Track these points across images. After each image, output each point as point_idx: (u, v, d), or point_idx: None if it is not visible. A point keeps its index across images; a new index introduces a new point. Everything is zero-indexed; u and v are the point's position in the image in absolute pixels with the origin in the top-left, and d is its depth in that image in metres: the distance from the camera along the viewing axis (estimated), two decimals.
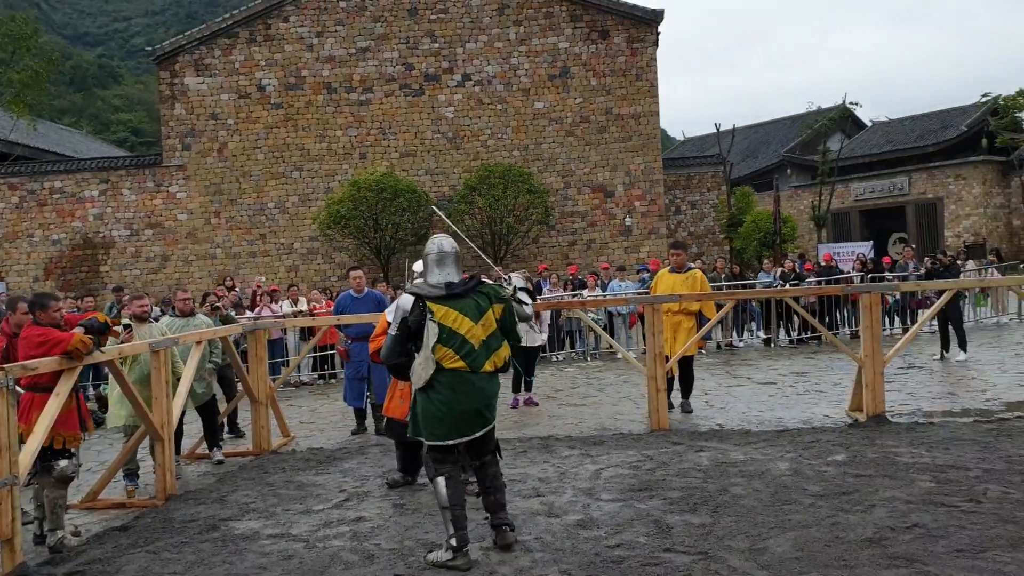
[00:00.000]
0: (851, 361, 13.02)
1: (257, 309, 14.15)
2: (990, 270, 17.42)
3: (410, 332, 5.27)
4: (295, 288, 15.85)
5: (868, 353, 8.18)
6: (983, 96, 40.65)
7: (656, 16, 26.17)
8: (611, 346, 14.65)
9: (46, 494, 6.07)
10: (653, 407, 8.59)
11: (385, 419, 7.32)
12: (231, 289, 15.36)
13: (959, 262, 15.71)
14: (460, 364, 5.15)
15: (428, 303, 5.24)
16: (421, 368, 5.21)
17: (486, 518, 5.49)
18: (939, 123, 42.71)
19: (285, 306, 14.59)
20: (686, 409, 9.50)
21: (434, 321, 5.18)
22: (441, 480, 5.19)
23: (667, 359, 8.82)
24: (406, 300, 5.37)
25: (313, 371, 14.46)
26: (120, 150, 44.59)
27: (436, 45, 25.72)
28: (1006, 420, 8.11)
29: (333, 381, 14.72)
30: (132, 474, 7.73)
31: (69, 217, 25.34)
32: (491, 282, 5.63)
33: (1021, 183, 37.29)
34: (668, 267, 9.73)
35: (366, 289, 9.92)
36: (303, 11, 25.49)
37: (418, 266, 6.76)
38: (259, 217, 25.35)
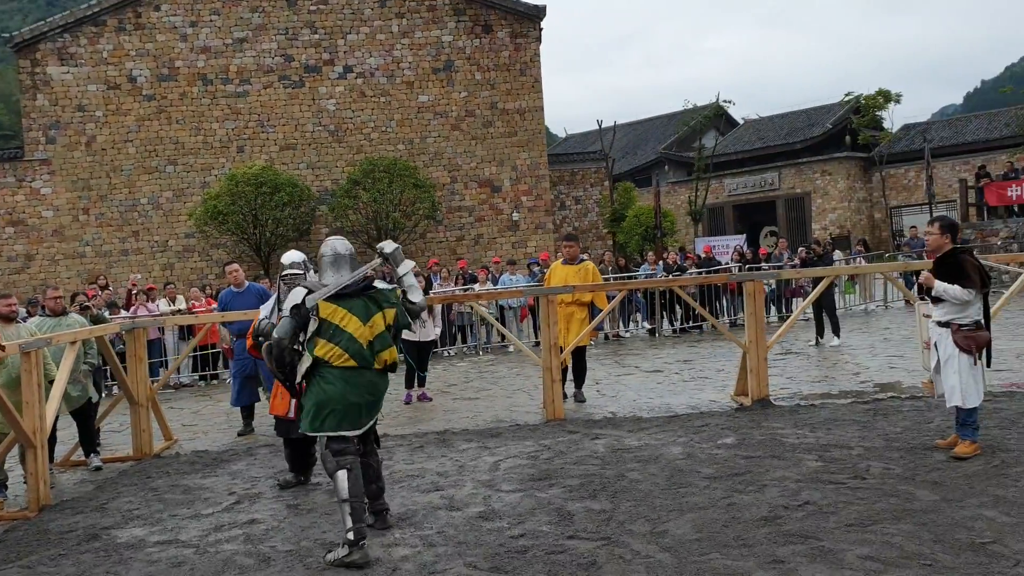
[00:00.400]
0: (734, 348, 13.57)
1: (133, 308, 13.49)
2: (858, 259, 18.33)
3: (302, 319, 5.32)
4: (172, 286, 15.22)
5: (752, 339, 8.45)
6: (846, 95, 42.87)
7: (539, 12, 26.38)
8: (504, 339, 14.73)
9: None
10: (548, 398, 8.63)
11: (276, 418, 7.09)
12: (104, 288, 14.61)
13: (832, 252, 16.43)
14: (351, 363, 5.19)
15: (319, 301, 5.27)
16: (302, 362, 5.35)
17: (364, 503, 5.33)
18: (806, 121, 44.75)
19: (162, 305, 13.96)
20: (579, 399, 9.60)
21: (316, 317, 5.25)
22: (343, 473, 5.13)
23: (561, 350, 8.87)
24: (298, 292, 5.41)
25: (193, 372, 13.90)
26: None
27: (316, 36, 25.18)
28: (881, 400, 8.52)
29: (215, 382, 14.20)
30: (1, 485, 7.24)
31: None
32: (385, 286, 5.59)
33: (881, 178, 39.40)
34: (561, 259, 9.80)
35: (246, 283, 9.58)
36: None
37: (287, 257, 6.82)
38: (131, 213, 24.24)
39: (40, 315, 8.24)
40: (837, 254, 19.54)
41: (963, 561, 4.24)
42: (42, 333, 7.66)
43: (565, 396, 9.33)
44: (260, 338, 6.38)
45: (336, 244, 5.62)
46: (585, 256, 9.90)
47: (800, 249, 15.40)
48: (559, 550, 4.86)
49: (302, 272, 6.63)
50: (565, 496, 5.91)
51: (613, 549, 4.80)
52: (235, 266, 9.57)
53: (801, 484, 5.72)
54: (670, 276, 14.72)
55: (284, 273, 6.68)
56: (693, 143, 44.71)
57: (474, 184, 26.30)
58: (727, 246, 25.61)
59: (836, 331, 13.13)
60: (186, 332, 13.65)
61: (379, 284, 5.53)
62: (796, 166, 41.87)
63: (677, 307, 16.31)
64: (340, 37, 25.26)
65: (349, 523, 5.03)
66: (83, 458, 8.35)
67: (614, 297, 10.30)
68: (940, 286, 6.15)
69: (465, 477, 6.70)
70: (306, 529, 5.72)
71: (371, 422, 5.44)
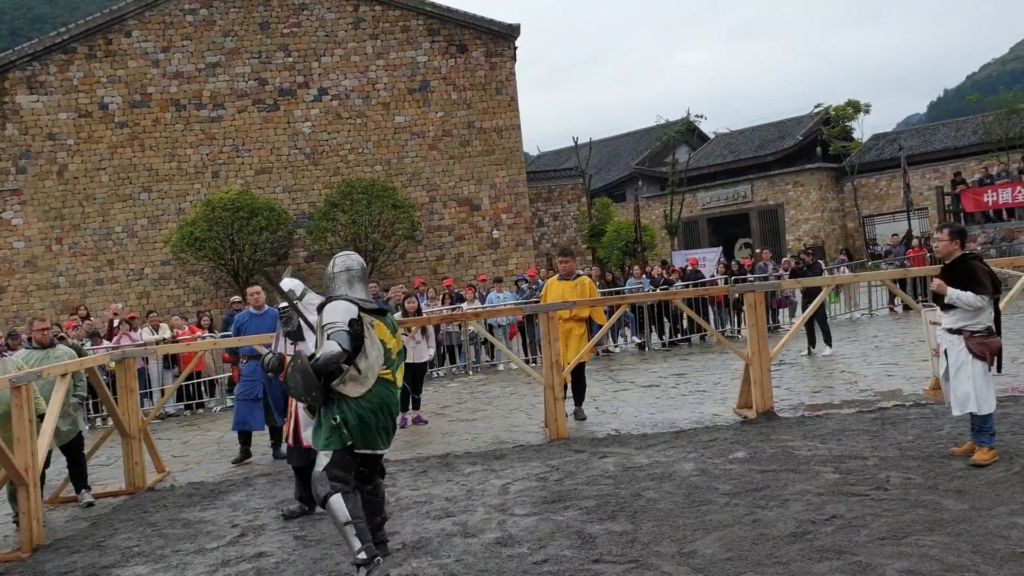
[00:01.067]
0: (726, 360, 13.53)
1: (116, 338, 13.18)
2: (842, 268, 18.41)
3: (358, 336, 5.09)
4: (155, 314, 14.90)
5: (755, 350, 8.37)
6: (816, 107, 43.31)
7: (513, 31, 26.38)
8: (492, 358, 14.57)
9: None
10: (551, 416, 8.48)
11: (287, 447, 6.87)
12: (85, 319, 14.27)
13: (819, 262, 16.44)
14: (388, 375, 5.21)
15: (366, 314, 5.18)
16: (363, 377, 5.06)
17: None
18: (777, 133, 45.15)
19: (146, 333, 13.66)
20: (579, 416, 9.46)
21: (373, 330, 5.17)
22: (337, 497, 4.93)
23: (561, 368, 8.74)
24: (350, 307, 5.13)
25: (179, 401, 13.59)
26: None
27: (290, 59, 24.99)
28: (886, 409, 8.46)
29: (200, 411, 13.90)
30: None
31: None
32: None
33: (853, 187, 39.78)
34: (556, 275, 9.68)
35: (266, 306, 9.34)
36: (147, 25, 24.22)
37: (288, 284, 6.67)
38: (106, 242, 23.82)
39: (27, 347, 7.96)
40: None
41: (1008, 572, 4.14)
42: (29, 366, 7.41)
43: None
44: (270, 373, 6.24)
45: (351, 261, 5.49)
46: (581, 271, 9.77)
47: (785, 260, 15.40)
48: (587, 574, 4.71)
49: (287, 304, 6.13)
50: (583, 518, 5.77)
51: (643, 572, 4.66)
52: (257, 288, 9.36)
53: (824, 498, 5.62)
54: (658, 289, 14.65)
55: (281, 306, 6.38)
56: (666, 158, 44.96)
57: (453, 203, 26.17)
58: (703, 259, 25.75)
59: (828, 340, 13.12)
60: (171, 361, 13.36)
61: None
62: (768, 178, 42.21)
63: (666, 320, 16.24)
64: (314, 59, 25.10)
65: (356, 544, 4.84)
66: (73, 494, 8.07)
67: (611, 312, 10.20)
68: (953, 293, 6.10)
69: (475, 502, 6.53)
70: (318, 561, 5.52)
71: (390, 444, 5.30)
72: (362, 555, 4.82)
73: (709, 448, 7.42)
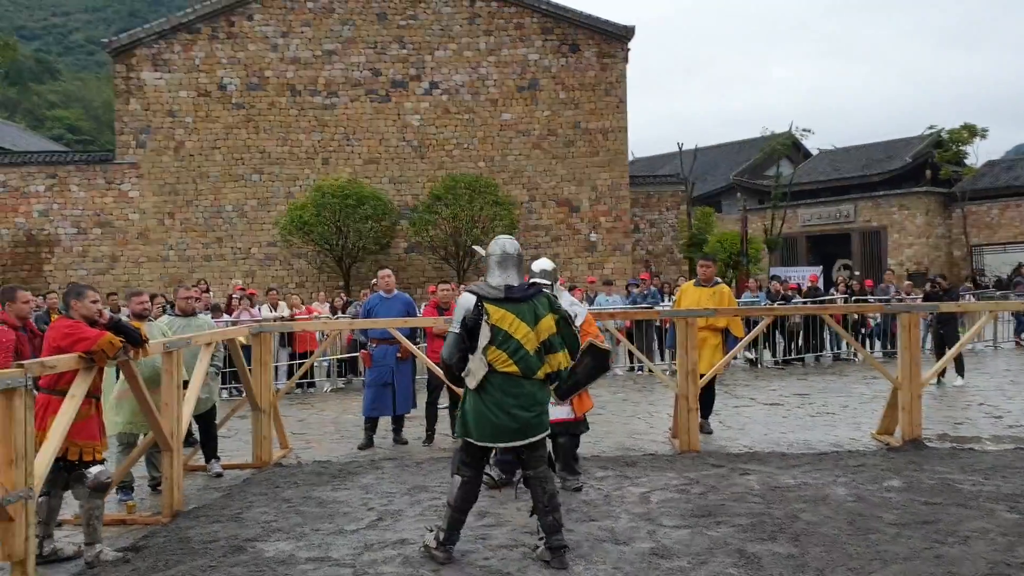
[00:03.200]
0: (848, 383, 13.02)
1: (235, 313, 13.39)
2: (967, 296, 17.61)
3: (469, 332, 5.18)
4: (275, 292, 15.08)
5: (906, 375, 7.95)
6: (928, 128, 41.84)
7: (627, 32, 26.10)
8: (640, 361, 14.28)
9: (81, 505, 5.43)
10: (683, 427, 8.20)
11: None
12: (205, 291, 14.55)
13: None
14: (513, 368, 5.09)
15: (486, 304, 5.15)
16: (475, 369, 5.15)
17: (541, 538, 5.19)
18: (884, 153, 43.75)
19: (264, 310, 13.84)
20: (705, 429, 9.14)
21: (488, 323, 5.11)
22: (458, 479, 5.20)
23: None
24: (467, 299, 5.26)
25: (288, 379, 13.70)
26: (58, 146, 42.78)
27: (404, 51, 25.19)
28: None
29: (311, 390, 14.02)
30: (127, 487, 7.06)
31: (12, 212, 24.01)
32: (552, 293, 5.57)
33: (963, 214, 38.27)
34: (693, 280, 9.38)
35: (395, 290, 9.31)
36: (268, 9, 24.71)
37: (536, 265, 6.92)
38: (215, 220, 24.39)
39: (170, 314, 8.06)
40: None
41: None
42: (173, 333, 7.49)
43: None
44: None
45: (506, 243, 5.43)
46: (720, 279, 9.45)
47: (907, 283, 14.76)
48: None
49: (549, 283, 6.58)
50: (740, 536, 5.49)
51: None
52: (388, 271, 9.35)
53: (1010, 539, 5.23)
54: (775, 304, 14.18)
55: (533, 280, 6.49)
56: (765, 171, 44.03)
57: (552, 203, 26.02)
58: (802, 277, 24.98)
59: (960, 371, 12.49)
60: (286, 339, 13.49)
61: (548, 292, 5.46)
62: (873, 199, 40.87)
63: (779, 337, 15.75)
64: (428, 53, 25.23)
65: (445, 526, 5.18)
66: (202, 463, 8.14)
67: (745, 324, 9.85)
68: None
69: (616, 508, 6.31)
70: (466, 554, 5.36)
71: (527, 439, 5.14)
72: (441, 536, 5.16)
73: (859, 473, 7.05)
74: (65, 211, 24.14)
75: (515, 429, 5.10)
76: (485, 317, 5.10)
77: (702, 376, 8.32)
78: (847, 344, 15.95)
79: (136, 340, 5.73)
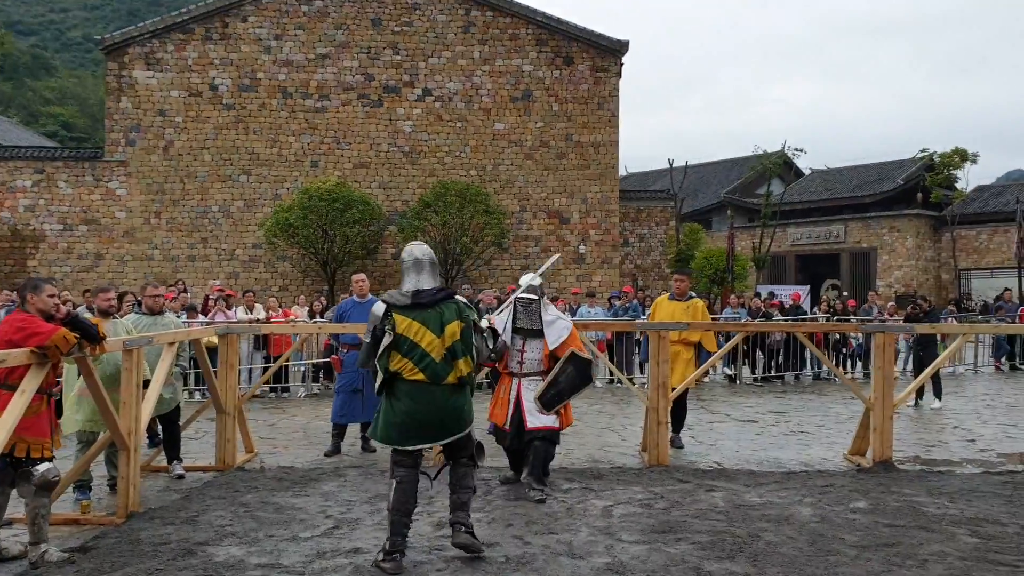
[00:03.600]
0: (825, 402, 12.97)
1: (211, 314, 13.28)
2: (949, 319, 17.60)
3: (378, 340, 5.30)
4: (251, 294, 14.98)
5: (879, 395, 7.89)
6: (920, 151, 41.97)
7: (621, 46, 26.13)
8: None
9: (27, 504, 5.32)
10: (652, 441, 8.13)
11: (502, 431, 7.19)
12: (182, 292, 14.42)
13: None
14: (420, 376, 5.18)
15: (394, 313, 5.25)
16: (376, 377, 5.36)
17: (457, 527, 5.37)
18: (876, 175, 43.85)
19: (240, 312, 13.73)
20: (676, 444, 9.08)
21: (390, 331, 5.21)
22: (393, 482, 5.27)
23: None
24: (378, 307, 5.38)
25: (264, 383, 13.58)
26: (51, 143, 42.63)
27: (398, 57, 25.17)
28: (1016, 473, 7.90)
29: (285, 395, 13.91)
30: (84, 486, 6.93)
31: None
32: (463, 299, 5.55)
33: (952, 238, 38.35)
34: (667, 294, 9.32)
35: (369, 295, 9.25)
36: (263, 12, 24.68)
37: (524, 280, 7.29)
38: (202, 220, 24.29)
39: (136, 312, 7.96)
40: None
41: None
42: (139, 331, 7.39)
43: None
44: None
45: (414, 249, 5.53)
46: (694, 293, 9.40)
47: (890, 304, 14.73)
48: None
49: (536, 297, 7.01)
50: (698, 554, 5.41)
51: None
52: (362, 276, 9.32)
53: (967, 563, 5.16)
54: (756, 320, 14.13)
55: (520, 295, 7.07)
56: (757, 189, 44.06)
57: (543, 214, 25.99)
58: (787, 295, 24.96)
59: (938, 393, 12.45)
60: (261, 342, 13.38)
61: (460, 298, 5.50)
62: (864, 220, 40.93)
63: (759, 354, 15.71)
64: (422, 60, 25.22)
65: (388, 533, 5.21)
66: (164, 464, 8.03)
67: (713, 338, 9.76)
68: None
69: (577, 521, 6.23)
70: (418, 565, 5.27)
71: (446, 440, 5.32)
72: (387, 544, 5.17)
73: (826, 494, 6.98)
74: (52, 207, 24.02)
75: (430, 433, 5.26)
76: (390, 326, 5.19)
77: (673, 390, 8.25)
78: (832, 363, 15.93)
79: (93, 337, 5.63)
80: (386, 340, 5.20)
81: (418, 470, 5.35)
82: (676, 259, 30.35)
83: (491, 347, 5.78)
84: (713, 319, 15.91)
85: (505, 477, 7.45)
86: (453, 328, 5.24)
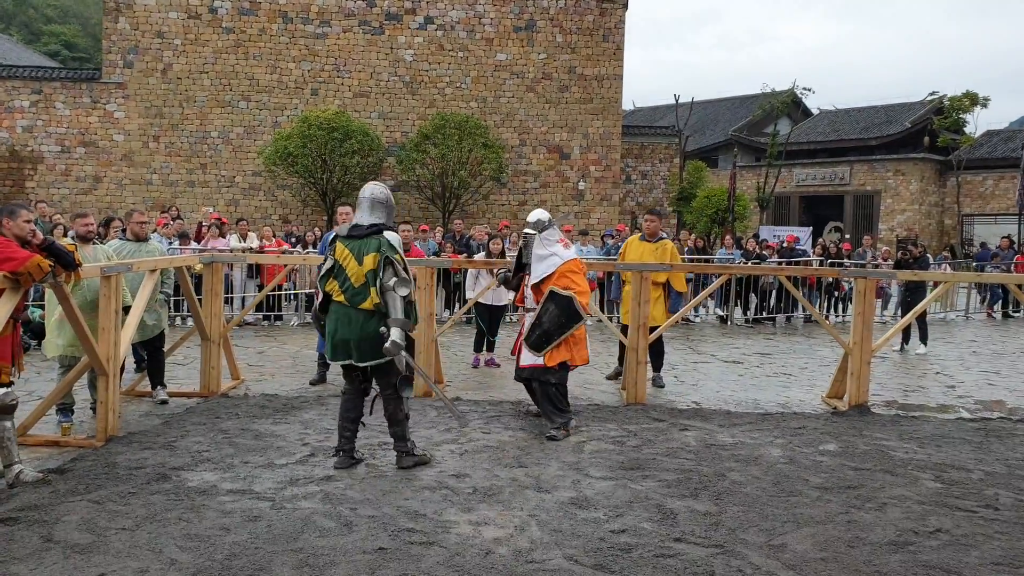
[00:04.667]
0: (812, 344, 13.04)
1: (204, 241, 13.28)
2: (944, 266, 17.56)
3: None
4: (245, 222, 14.96)
5: (857, 340, 7.92)
6: (930, 94, 41.33)
7: None
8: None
9: None
10: (631, 380, 8.20)
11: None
12: (175, 219, 14.40)
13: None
14: (342, 298, 5.80)
15: (337, 241, 5.93)
16: (317, 296, 6.12)
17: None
18: (884, 117, 43.30)
19: (233, 241, 13.73)
20: (658, 383, 9.15)
21: (331, 257, 5.91)
22: (342, 394, 6.05)
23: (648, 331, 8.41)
24: (328, 236, 6.28)
25: (257, 311, 13.67)
26: (52, 62, 42.12)
27: None
28: (990, 420, 7.97)
29: (278, 323, 14.00)
30: (67, 409, 7.03)
31: None
32: (392, 237, 5.85)
33: (957, 183, 38.04)
34: (639, 234, 9.33)
35: None
36: None
37: (532, 216, 7.34)
38: (201, 146, 24.14)
39: (120, 238, 7.97)
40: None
41: None
42: (122, 258, 7.41)
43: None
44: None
45: (365, 188, 6.06)
46: (664, 234, 9.40)
47: (884, 249, 14.70)
48: (667, 553, 4.46)
49: (534, 233, 7.14)
50: (663, 491, 5.50)
51: (729, 560, 4.38)
52: (347, 208, 9.21)
53: (926, 507, 5.25)
54: (750, 263, 14.11)
55: (524, 231, 7.28)
56: (764, 128, 43.55)
57: (543, 149, 25.79)
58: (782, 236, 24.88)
59: (923, 339, 12.50)
60: (255, 271, 13.42)
61: (389, 235, 5.82)
62: (869, 162, 40.57)
63: (752, 296, 15.72)
64: None
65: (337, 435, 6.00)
66: (148, 389, 8.13)
67: (691, 279, 9.78)
68: None
69: (548, 455, 6.32)
70: (387, 493, 5.37)
71: (363, 363, 5.80)
72: (336, 444, 6.00)
73: (798, 436, 7.06)
74: (49, 128, 23.86)
75: (347, 351, 5.80)
76: (331, 252, 5.90)
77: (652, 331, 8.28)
78: (824, 305, 15.96)
79: (68, 263, 5.65)
80: (326, 264, 5.91)
81: (358, 385, 5.95)
82: (678, 197, 30.19)
83: (397, 288, 5.74)
84: (706, 260, 15.91)
85: (527, 409, 7.69)
86: (369, 260, 5.73)
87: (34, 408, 6.67)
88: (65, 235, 11.58)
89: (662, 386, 9.14)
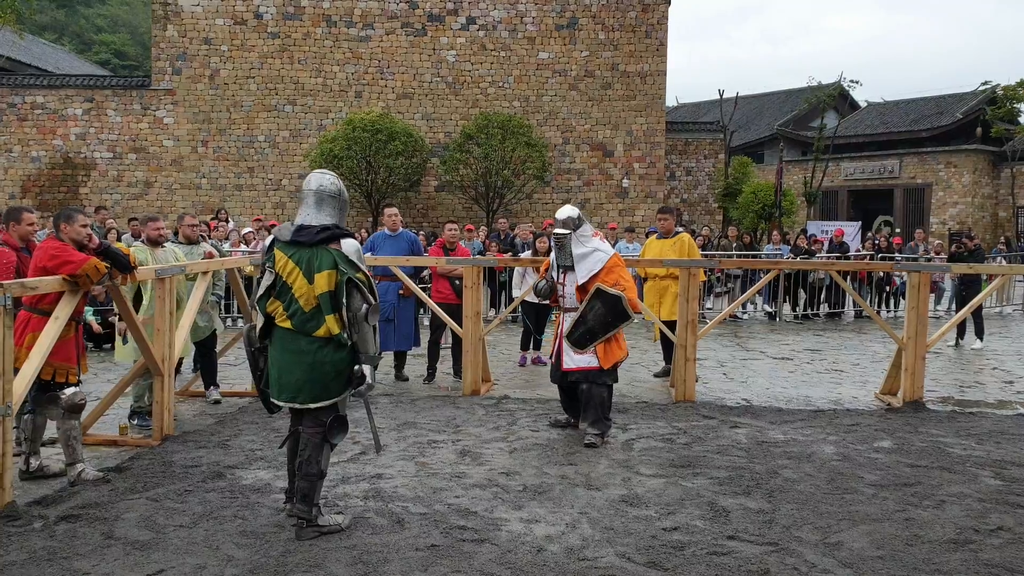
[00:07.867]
0: (864, 340, 12.83)
1: (252, 244, 13.48)
2: (999, 259, 17.18)
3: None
4: None
5: (911, 335, 7.78)
6: (983, 84, 40.40)
7: None
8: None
9: (58, 426, 5.54)
10: (680, 376, 8.15)
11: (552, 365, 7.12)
12: (225, 222, 14.61)
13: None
14: (287, 324, 4.53)
15: (275, 248, 4.61)
16: (258, 322, 4.73)
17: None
18: (934, 108, 42.41)
19: None
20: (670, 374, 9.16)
21: (271, 269, 4.59)
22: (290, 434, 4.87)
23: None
24: (267, 240, 4.82)
25: None
26: (103, 71, 43.05)
27: None
28: None
29: None
30: (146, 413, 7.09)
31: (50, 135, 24.33)
32: (350, 245, 4.61)
33: (1011, 174, 37.15)
34: (656, 234, 9.52)
35: (401, 228, 9.32)
36: None
37: (561, 213, 6.96)
38: (248, 150, 24.49)
39: (173, 242, 8.12)
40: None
41: None
42: (176, 260, 7.55)
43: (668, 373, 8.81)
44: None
45: (311, 178, 4.74)
46: (680, 228, 9.53)
47: (937, 243, 14.40)
48: (721, 551, 4.42)
49: (566, 232, 6.78)
50: (714, 489, 5.46)
51: (784, 558, 4.33)
52: (393, 210, 9.33)
53: (986, 505, 5.13)
54: (798, 258, 13.92)
55: (554, 231, 6.87)
56: (811, 122, 42.92)
57: (586, 147, 25.71)
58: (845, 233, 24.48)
59: (979, 334, 12.23)
60: None
61: (347, 245, 4.57)
62: (919, 155, 39.75)
63: (801, 292, 15.51)
64: None
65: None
66: (202, 389, 8.27)
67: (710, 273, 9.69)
68: None
69: (598, 453, 6.31)
70: (438, 491, 5.41)
71: (307, 404, 4.57)
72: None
73: (851, 433, 6.95)
74: (101, 135, 24.39)
75: (291, 390, 4.56)
76: (271, 263, 4.59)
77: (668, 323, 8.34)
78: (875, 301, 15.68)
79: (124, 266, 5.77)
80: (265, 279, 4.59)
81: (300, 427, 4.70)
82: (724, 193, 29.85)
83: (369, 318, 4.54)
84: (754, 255, 15.72)
85: (555, 420, 7.18)
86: (322, 280, 4.46)
87: (92, 408, 6.82)
88: (119, 239, 11.85)
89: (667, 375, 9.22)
